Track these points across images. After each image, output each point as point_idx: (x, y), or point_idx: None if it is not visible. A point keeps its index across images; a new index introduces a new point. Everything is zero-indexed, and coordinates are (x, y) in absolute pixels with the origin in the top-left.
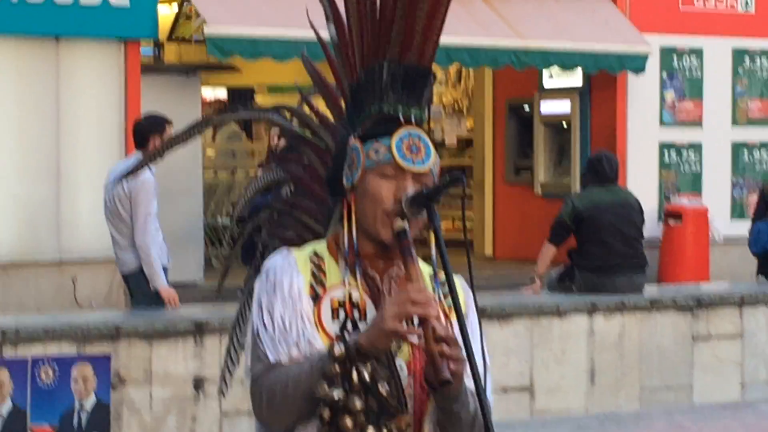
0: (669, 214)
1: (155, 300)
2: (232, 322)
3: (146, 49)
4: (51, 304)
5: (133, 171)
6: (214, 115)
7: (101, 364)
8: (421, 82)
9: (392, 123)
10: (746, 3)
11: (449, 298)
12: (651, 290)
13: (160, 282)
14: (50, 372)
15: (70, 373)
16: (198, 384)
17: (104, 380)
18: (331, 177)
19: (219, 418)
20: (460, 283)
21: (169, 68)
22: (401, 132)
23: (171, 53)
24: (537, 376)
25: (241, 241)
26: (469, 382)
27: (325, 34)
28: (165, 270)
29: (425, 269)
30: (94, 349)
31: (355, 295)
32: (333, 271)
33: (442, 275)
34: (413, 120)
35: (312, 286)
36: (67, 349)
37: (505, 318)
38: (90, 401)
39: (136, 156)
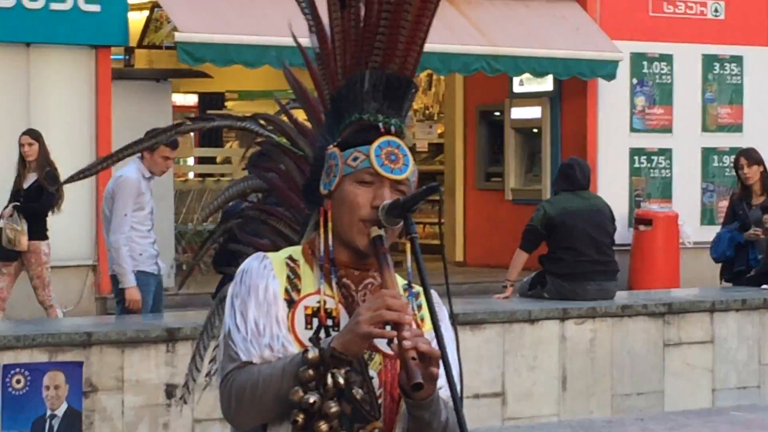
0: (639, 220)
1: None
2: (201, 328)
3: (117, 56)
4: (22, 311)
5: (87, 172)
6: (187, 123)
7: (73, 372)
8: (403, 91)
9: (372, 132)
10: (716, 9)
11: (422, 311)
12: (622, 296)
13: (127, 282)
14: (22, 379)
15: (42, 380)
16: (170, 391)
17: (76, 387)
18: (308, 185)
19: (191, 425)
20: (435, 297)
21: (140, 74)
22: (381, 140)
23: (141, 59)
24: (509, 383)
25: (206, 245)
26: (441, 392)
27: (304, 42)
28: (154, 276)
29: (399, 281)
30: (66, 356)
31: (330, 304)
32: (308, 277)
33: (416, 287)
34: (393, 129)
35: (287, 291)
36: (38, 356)
37: (477, 324)
38: (62, 408)
39: (133, 162)
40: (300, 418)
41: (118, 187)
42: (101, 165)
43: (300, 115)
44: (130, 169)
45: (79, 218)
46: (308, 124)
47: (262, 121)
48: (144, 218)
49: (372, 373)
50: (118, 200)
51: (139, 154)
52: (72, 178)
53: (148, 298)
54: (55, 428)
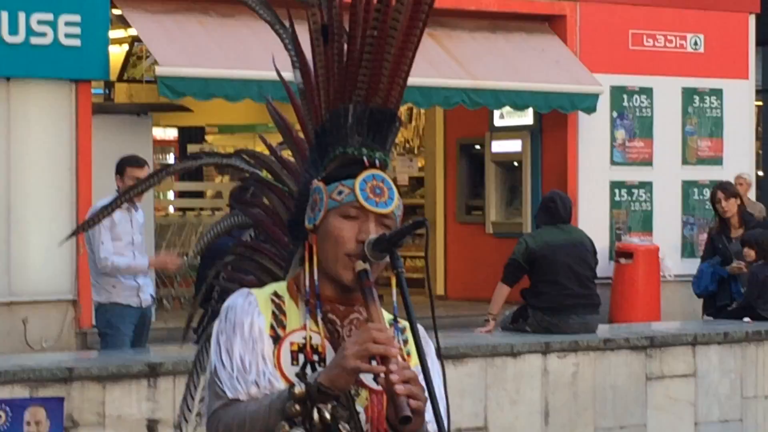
0: (620, 253)
1: (107, 336)
2: (192, 363)
3: (97, 90)
4: (2, 346)
5: (83, 227)
6: (176, 163)
7: (54, 407)
8: (387, 125)
9: (356, 166)
10: (695, 42)
11: (408, 345)
12: (604, 330)
13: (143, 265)
14: (3, 415)
15: (23, 416)
16: (151, 426)
17: (57, 423)
18: (293, 220)
19: None
20: (421, 331)
21: (120, 108)
22: (365, 174)
23: (121, 93)
24: (491, 417)
25: (204, 286)
26: (429, 426)
27: (287, 76)
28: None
29: (385, 316)
30: (47, 391)
31: (315, 340)
32: (293, 313)
33: (402, 321)
34: (377, 163)
35: (273, 327)
36: (19, 391)
37: (459, 358)
38: None
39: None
40: None
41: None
42: (102, 214)
43: (284, 151)
44: (103, 201)
45: (59, 253)
46: (292, 160)
47: (246, 157)
48: (122, 249)
49: (359, 408)
50: (92, 232)
51: (116, 186)
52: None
53: (125, 328)
54: None
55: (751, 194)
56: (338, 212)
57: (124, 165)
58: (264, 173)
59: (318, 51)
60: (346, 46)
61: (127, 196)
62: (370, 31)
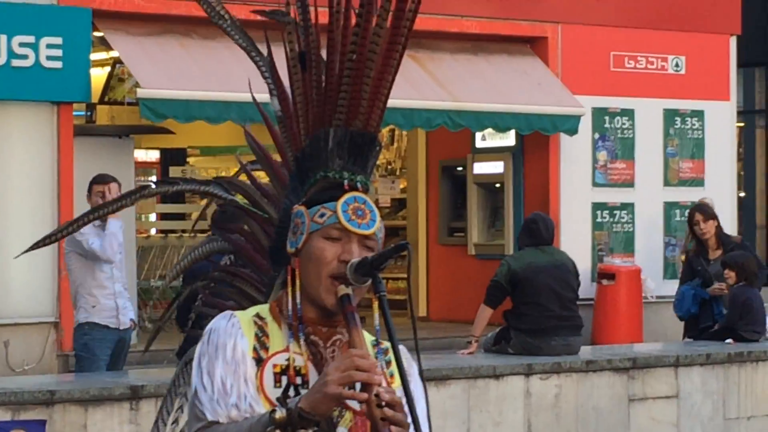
0: (602, 275)
1: (82, 359)
2: (167, 388)
3: (78, 112)
4: None
5: (49, 239)
6: (150, 187)
7: (36, 430)
8: (367, 148)
9: (338, 189)
10: (677, 64)
11: (391, 367)
12: (586, 351)
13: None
14: None
15: None
16: None
17: None
18: (274, 246)
19: None
20: (403, 352)
21: (102, 131)
22: (347, 196)
23: (103, 115)
24: None
25: (174, 306)
26: None
27: (266, 99)
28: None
29: (367, 337)
30: (29, 414)
31: (299, 362)
32: (276, 335)
33: (384, 343)
34: (359, 186)
35: (255, 349)
36: (1, 414)
37: (442, 380)
38: None
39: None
40: None
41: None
42: (64, 231)
43: (261, 176)
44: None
45: (41, 275)
46: (270, 186)
47: (224, 184)
48: (98, 268)
49: (343, 430)
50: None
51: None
52: (36, 245)
53: (100, 352)
54: None
55: (732, 215)
56: (321, 234)
57: (90, 183)
58: (241, 199)
59: (296, 78)
60: (324, 71)
61: (98, 213)
62: (348, 54)
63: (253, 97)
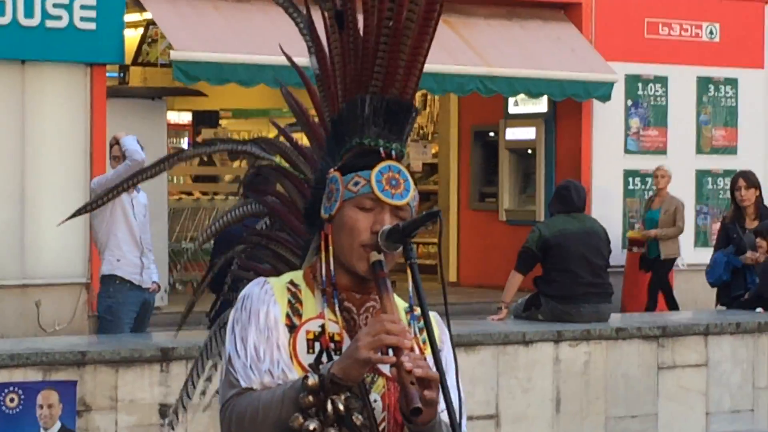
0: (633, 242)
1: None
2: (196, 348)
3: (111, 73)
4: (15, 329)
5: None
6: (189, 149)
7: (67, 390)
8: (403, 116)
9: (373, 156)
10: (711, 31)
11: (424, 334)
12: (616, 319)
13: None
14: (15, 398)
15: (36, 399)
16: (164, 411)
17: (70, 406)
18: (309, 209)
19: None
20: (435, 318)
21: (135, 93)
22: (381, 165)
23: (136, 77)
24: (502, 405)
25: (209, 274)
26: (443, 415)
27: (302, 62)
28: (134, 287)
29: (401, 304)
30: (60, 375)
31: (332, 328)
32: (309, 301)
33: (417, 310)
34: (393, 154)
35: (288, 316)
36: (32, 375)
37: (471, 346)
38: (55, 427)
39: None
40: None
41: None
42: (110, 194)
43: (297, 133)
44: (99, 178)
45: (73, 236)
46: (307, 145)
47: (262, 145)
48: (122, 228)
49: (375, 396)
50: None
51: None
52: (77, 213)
53: (124, 315)
54: None
55: (764, 183)
56: (354, 203)
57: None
58: (281, 161)
59: (333, 37)
60: (362, 36)
61: (136, 179)
62: (385, 21)
63: (288, 57)
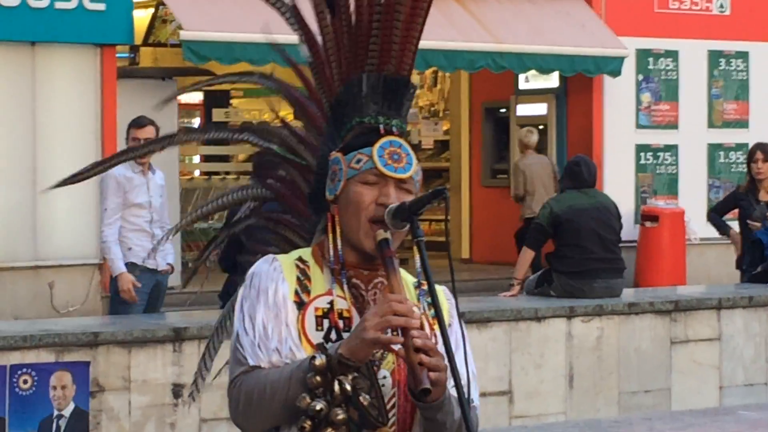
0: (645, 217)
1: (116, 303)
2: (213, 328)
3: (122, 54)
4: (28, 310)
5: (79, 176)
6: (183, 134)
7: (80, 371)
8: (401, 92)
9: (373, 134)
10: (721, 5)
11: (433, 309)
12: (629, 294)
13: (116, 269)
14: (29, 379)
15: (49, 380)
16: (177, 391)
17: (83, 387)
18: (314, 193)
19: (198, 425)
20: (444, 293)
21: (145, 73)
22: (383, 141)
23: (146, 57)
24: (515, 381)
25: (210, 248)
26: (454, 390)
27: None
28: (146, 270)
29: (409, 278)
30: (73, 356)
31: (341, 304)
32: (318, 278)
33: (425, 285)
34: (394, 130)
35: (297, 293)
36: (45, 356)
37: (484, 323)
38: (69, 408)
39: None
40: (307, 424)
41: (102, 183)
42: (94, 170)
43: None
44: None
45: (85, 217)
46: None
47: (260, 132)
48: (135, 213)
49: (385, 372)
50: (101, 196)
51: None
52: (65, 182)
53: (134, 291)
54: (62, 428)
55: None
56: (358, 179)
57: (128, 128)
58: (280, 147)
59: (324, 24)
60: (354, 15)
61: (126, 156)
62: None
63: (278, 47)
